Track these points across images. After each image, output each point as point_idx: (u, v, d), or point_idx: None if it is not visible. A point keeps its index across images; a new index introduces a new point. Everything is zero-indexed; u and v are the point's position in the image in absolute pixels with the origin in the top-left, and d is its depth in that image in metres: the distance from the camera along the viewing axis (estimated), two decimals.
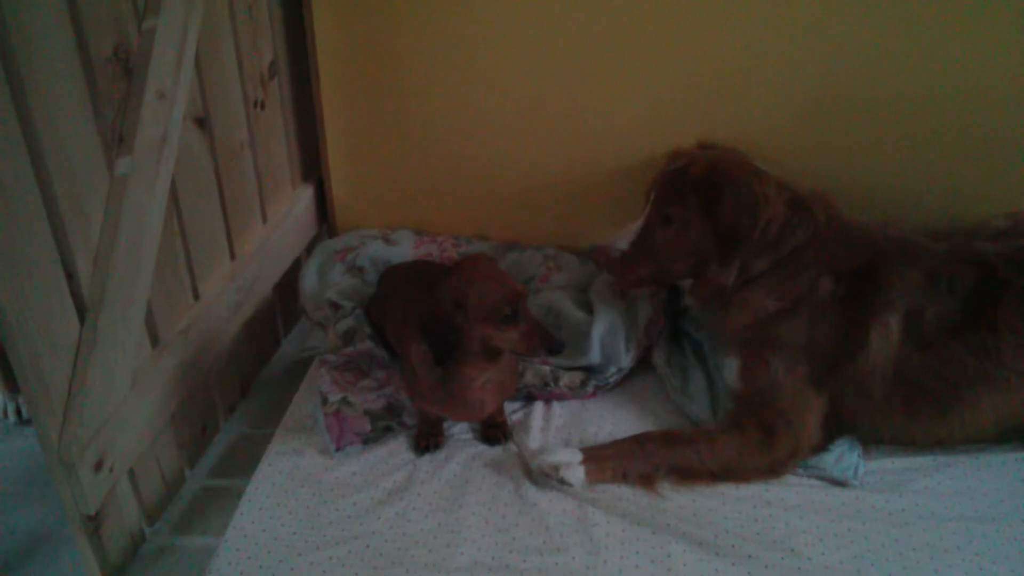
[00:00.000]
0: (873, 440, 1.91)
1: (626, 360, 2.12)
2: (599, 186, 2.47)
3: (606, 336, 2.13)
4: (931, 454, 1.89)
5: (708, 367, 2.15)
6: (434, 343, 1.73)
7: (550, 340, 1.72)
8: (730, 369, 1.99)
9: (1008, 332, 1.80)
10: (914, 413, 1.86)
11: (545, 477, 1.83)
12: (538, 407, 2.07)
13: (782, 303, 1.91)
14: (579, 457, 1.83)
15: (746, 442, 1.85)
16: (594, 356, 2.12)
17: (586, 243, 2.52)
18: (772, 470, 1.84)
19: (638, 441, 1.90)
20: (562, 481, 1.81)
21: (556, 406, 2.07)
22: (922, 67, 2.13)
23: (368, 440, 1.94)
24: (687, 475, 1.84)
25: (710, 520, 1.76)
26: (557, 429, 2.01)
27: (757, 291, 1.95)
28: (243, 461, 2.12)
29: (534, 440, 1.97)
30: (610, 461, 1.85)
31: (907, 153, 2.24)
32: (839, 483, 1.83)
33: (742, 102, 2.26)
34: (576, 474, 1.81)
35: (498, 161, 2.49)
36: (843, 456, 1.86)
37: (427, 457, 1.92)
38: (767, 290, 1.94)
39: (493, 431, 1.97)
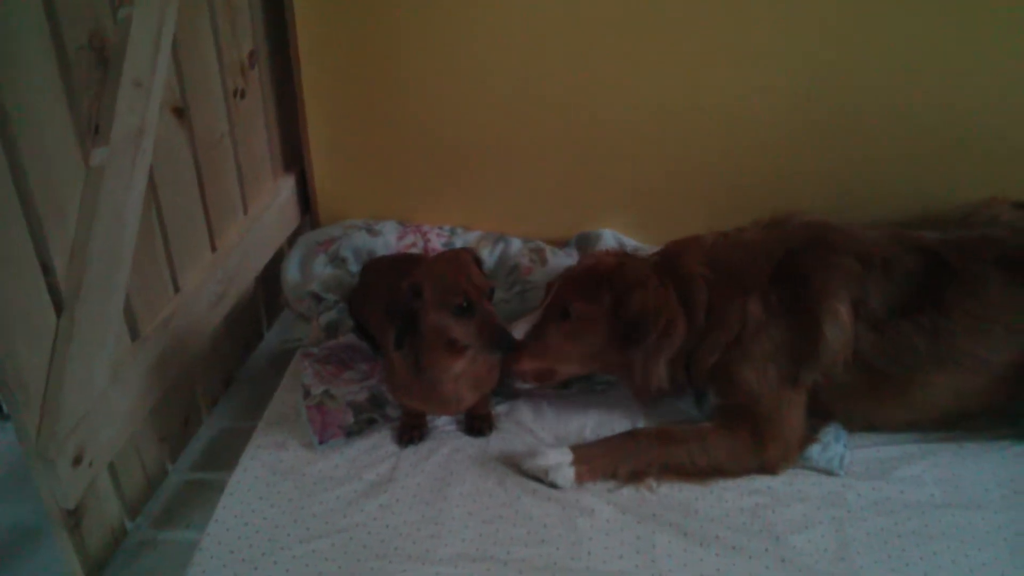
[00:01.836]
0: (848, 427, 1.91)
1: None
2: (586, 177, 2.47)
3: None
4: (916, 442, 1.89)
5: None
6: (395, 328, 1.73)
7: (502, 338, 1.68)
8: (709, 394, 1.98)
9: (960, 315, 1.80)
10: (879, 398, 1.88)
11: (534, 480, 1.81)
12: (522, 400, 2.05)
13: (728, 345, 1.89)
14: (569, 457, 1.82)
15: (737, 442, 1.84)
16: None
17: (571, 234, 2.53)
18: (764, 469, 1.83)
19: (629, 439, 1.89)
20: (552, 484, 1.79)
21: (543, 399, 2.06)
22: (917, 58, 2.14)
23: (351, 433, 1.93)
24: (678, 473, 1.83)
25: (695, 509, 1.75)
26: (543, 422, 2.00)
27: (703, 352, 1.92)
28: (226, 454, 2.10)
29: (520, 434, 1.96)
30: (600, 460, 1.83)
31: (899, 146, 2.25)
32: (825, 472, 1.83)
33: (733, 89, 2.26)
34: (566, 475, 1.80)
35: (483, 151, 2.48)
36: (829, 446, 1.85)
37: (410, 449, 1.91)
38: (710, 348, 1.91)
39: (478, 423, 1.96)
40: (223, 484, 1.83)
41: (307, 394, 2.00)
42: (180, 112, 2.00)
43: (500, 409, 2.03)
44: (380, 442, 1.93)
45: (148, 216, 1.91)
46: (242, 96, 2.30)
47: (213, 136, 2.18)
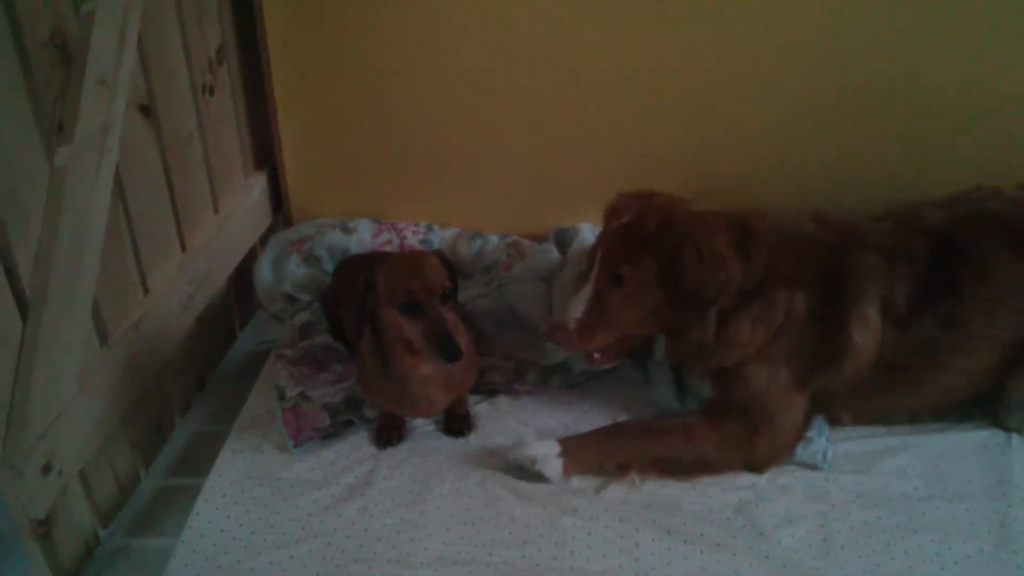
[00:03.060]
0: (843, 420, 1.91)
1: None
2: (561, 172, 2.45)
3: None
4: (898, 435, 1.88)
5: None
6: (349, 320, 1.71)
7: (446, 343, 1.62)
8: (704, 385, 1.95)
9: (971, 299, 1.79)
10: (889, 391, 1.86)
11: (521, 471, 1.79)
12: (502, 397, 2.03)
13: (766, 338, 1.83)
14: (556, 449, 1.80)
15: (725, 438, 1.82)
16: (559, 356, 2.09)
17: (548, 230, 2.50)
18: (750, 467, 1.82)
19: (616, 431, 1.87)
20: (539, 475, 1.77)
21: (523, 395, 2.04)
22: (918, 38, 2.13)
23: (327, 435, 1.90)
24: (664, 467, 1.81)
25: (679, 507, 1.74)
26: (524, 418, 1.98)
27: (739, 331, 1.83)
28: (200, 459, 2.05)
29: (502, 432, 1.94)
30: (586, 452, 1.81)
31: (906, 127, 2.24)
32: (809, 467, 1.82)
33: (709, 82, 2.25)
34: (553, 467, 1.78)
35: (458, 146, 2.45)
36: (812, 440, 1.84)
37: (389, 451, 1.89)
38: (749, 329, 1.82)
39: (456, 423, 1.93)
40: (198, 490, 1.80)
41: (282, 396, 1.97)
42: (147, 110, 1.96)
43: (480, 408, 2.00)
44: (357, 444, 1.91)
45: (115, 217, 1.86)
46: (211, 93, 2.26)
47: (181, 134, 2.13)
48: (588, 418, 1.97)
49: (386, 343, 1.75)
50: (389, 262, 1.73)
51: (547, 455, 1.79)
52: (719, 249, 1.77)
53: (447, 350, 1.62)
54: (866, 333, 1.79)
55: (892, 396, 1.87)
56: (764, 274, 1.81)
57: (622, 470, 1.80)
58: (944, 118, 2.20)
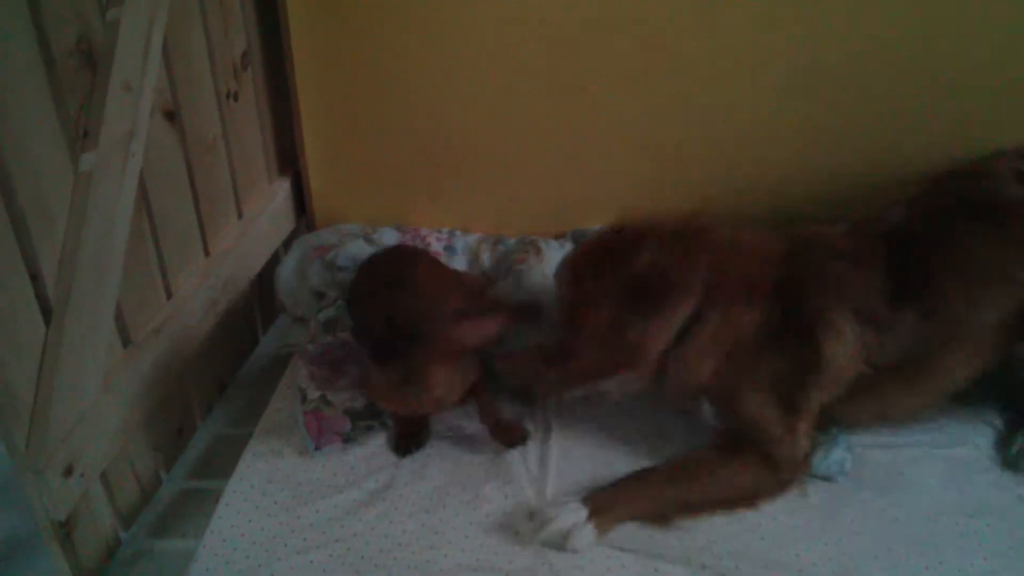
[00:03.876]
0: (856, 425, 1.87)
1: None
2: (581, 175, 2.44)
3: None
4: (921, 446, 1.85)
5: None
6: (374, 343, 1.70)
7: (528, 309, 1.67)
8: (706, 410, 1.86)
9: (951, 287, 1.72)
10: (890, 392, 1.79)
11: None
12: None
13: (723, 355, 1.75)
14: (584, 514, 1.68)
15: (748, 470, 1.75)
16: None
17: (567, 232, 2.50)
18: (783, 489, 1.75)
19: (641, 482, 1.77)
20: (574, 550, 1.64)
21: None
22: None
23: (348, 439, 1.90)
24: (697, 509, 1.72)
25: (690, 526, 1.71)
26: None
27: (693, 352, 1.75)
28: (221, 462, 2.06)
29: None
30: (616, 511, 1.71)
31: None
32: (825, 479, 1.79)
33: (726, 84, 2.23)
34: (585, 536, 1.65)
35: (480, 150, 2.45)
36: (830, 451, 1.80)
37: (410, 457, 1.88)
38: (702, 350, 1.75)
39: (510, 434, 1.90)
40: (219, 493, 1.79)
41: (304, 399, 1.97)
42: (171, 115, 1.97)
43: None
44: (379, 449, 1.90)
45: (139, 221, 1.88)
46: (235, 98, 2.27)
47: (205, 139, 2.15)
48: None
49: (425, 356, 1.71)
50: (422, 292, 1.76)
51: (576, 523, 1.65)
52: (677, 264, 1.72)
53: (530, 313, 1.71)
54: (838, 344, 1.71)
55: (889, 399, 1.81)
56: (707, 290, 1.73)
57: (659, 519, 1.71)
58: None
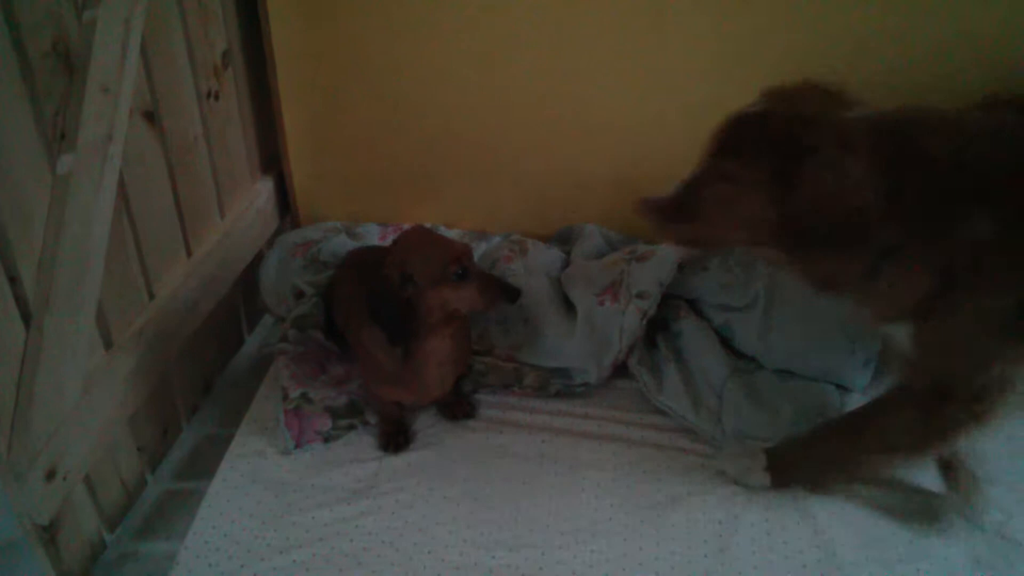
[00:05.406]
0: None
1: (596, 376, 2.04)
2: (567, 173, 2.44)
3: (583, 344, 2.06)
4: None
5: (685, 360, 2.06)
6: (387, 324, 1.71)
7: (507, 288, 1.72)
8: (900, 334, 1.56)
9: None
10: None
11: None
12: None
13: (937, 283, 1.43)
14: (763, 462, 1.75)
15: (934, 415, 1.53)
16: (564, 361, 2.06)
17: (553, 231, 2.50)
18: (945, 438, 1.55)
19: (820, 440, 1.73)
20: (746, 485, 1.76)
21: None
22: None
23: (329, 438, 1.90)
24: (874, 463, 1.66)
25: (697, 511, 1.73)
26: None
27: (898, 279, 1.46)
28: (207, 463, 2.05)
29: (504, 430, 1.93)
30: (795, 470, 1.74)
31: None
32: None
33: (711, 85, 2.22)
34: (759, 479, 1.75)
35: (464, 148, 2.45)
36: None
37: (393, 455, 1.88)
38: (908, 275, 1.45)
39: (458, 407, 1.99)
40: (204, 494, 1.80)
41: (285, 397, 1.97)
42: (151, 116, 1.96)
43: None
44: (362, 448, 1.91)
45: (119, 223, 1.87)
46: (216, 98, 2.26)
47: (186, 140, 2.14)
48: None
49: (418, 328, 1.74)
50: (411, 247, 1.75)
51: (751, 468, 1.76)
52: (853, 172, 1.39)
53: (510, 292, 1.72)
54: None
55: None
56: (931, 198, 1.40)
57: (842, 474, 1.70)
58: None
